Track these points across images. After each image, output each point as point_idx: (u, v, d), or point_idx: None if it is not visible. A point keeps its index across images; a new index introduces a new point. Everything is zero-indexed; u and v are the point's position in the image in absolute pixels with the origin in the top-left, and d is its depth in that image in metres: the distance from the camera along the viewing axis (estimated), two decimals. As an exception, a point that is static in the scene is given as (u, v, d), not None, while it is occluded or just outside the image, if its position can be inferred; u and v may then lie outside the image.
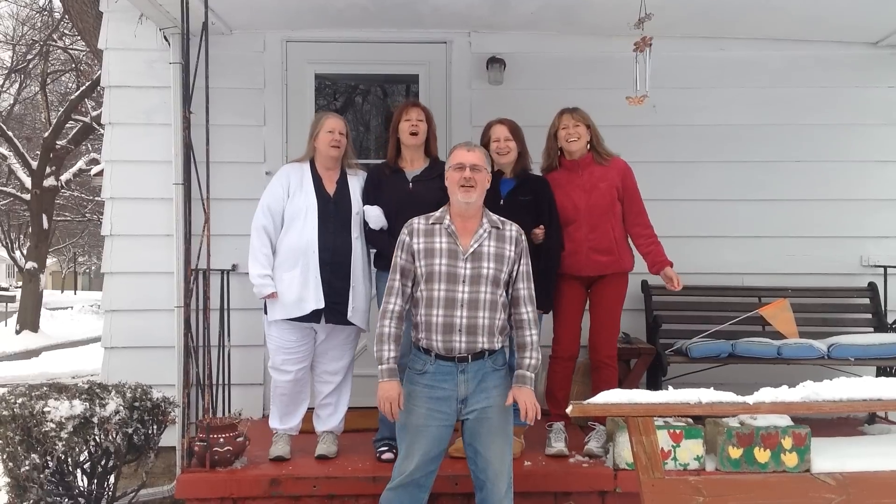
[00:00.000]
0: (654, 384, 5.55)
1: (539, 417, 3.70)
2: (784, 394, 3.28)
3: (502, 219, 3.82)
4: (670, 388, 3.34)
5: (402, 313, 3.73)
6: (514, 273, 3.74)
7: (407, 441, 3.65)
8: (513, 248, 3.72)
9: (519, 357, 3.75)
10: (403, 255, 3.73)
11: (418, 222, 3.76)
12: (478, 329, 3.60)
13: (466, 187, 3.67)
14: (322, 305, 4.54)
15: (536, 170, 4.91)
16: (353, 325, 4.65)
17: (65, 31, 17.33)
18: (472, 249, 3.64)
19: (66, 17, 12.98)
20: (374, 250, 4.73)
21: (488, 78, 6.04)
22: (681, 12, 5.41)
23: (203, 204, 4.63)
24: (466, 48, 6.12)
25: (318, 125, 4.72)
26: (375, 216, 4.58)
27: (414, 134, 4.66)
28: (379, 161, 5.18)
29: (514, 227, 3.80)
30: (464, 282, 3.61)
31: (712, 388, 3.29)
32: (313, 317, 4.56)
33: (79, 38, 14.54)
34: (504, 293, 3.71)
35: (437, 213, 3.78)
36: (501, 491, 3.64)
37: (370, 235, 4.68)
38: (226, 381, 5.23)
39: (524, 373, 3.70)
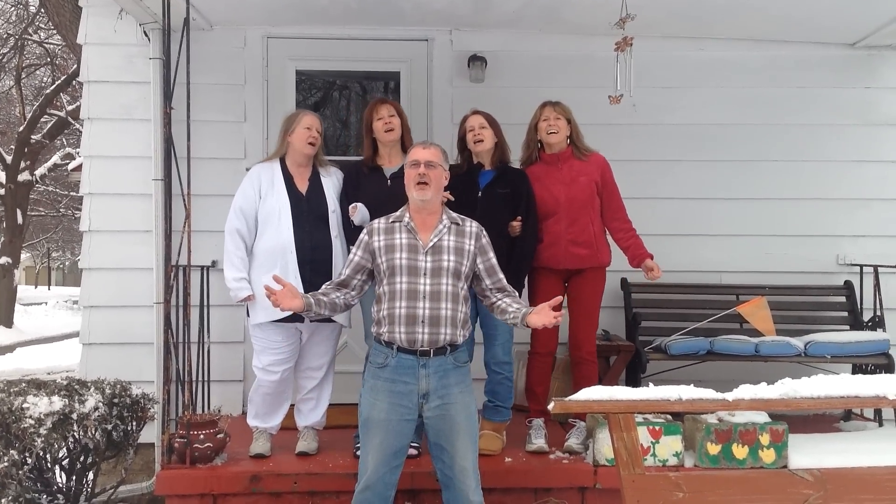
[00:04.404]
0: (633, 381, 5.58)
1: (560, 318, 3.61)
2: (763, 391, 3.30)
3: (462, 216, 3.83)
4: (650, 384, 3.35)
5: (332, 294, 3.77)
6: (485, 267, 3.76)
7: (370, 435, 3.64)
8: (472, 243, 3.73)
9: (511, 301, 3.75)
10: (360, 252, 3.76)
11: (378, 222, 3.78)
12: (440, 320, 3.59)
13: (421, 184, 3.68)
14: None
15: (516, 165, 4.93)
16: (335, 321, 4.64)
17: (40, 24, 17.15)
18: (431, 243, 3.65)
19: (42, 10, 12.83)
20: None
21: (470, 76, 6.05)
22: (661, 12, 5.45)
23: (184, 200, 4.61)
24: (448, 46, 6.13)
25: (294, 121, 4.70)
26: (361, 215, 4.51)
27: (389, 130, 4.66)
28: (356, 158, 5.13)
29: (474, 223, 3.81)
30: (425, 274, 3.61)
31: (691, 385, 3.31)
32: (296, 316, 4.56)
33: (54, 31, 14.41)
34: (465, 286, 3.72)
35: (397, 213, 3.79)
36: (470, 487, 3.62)
37: (351, 233, 4.65)
38: (206, 378, 5.21)
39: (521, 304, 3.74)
